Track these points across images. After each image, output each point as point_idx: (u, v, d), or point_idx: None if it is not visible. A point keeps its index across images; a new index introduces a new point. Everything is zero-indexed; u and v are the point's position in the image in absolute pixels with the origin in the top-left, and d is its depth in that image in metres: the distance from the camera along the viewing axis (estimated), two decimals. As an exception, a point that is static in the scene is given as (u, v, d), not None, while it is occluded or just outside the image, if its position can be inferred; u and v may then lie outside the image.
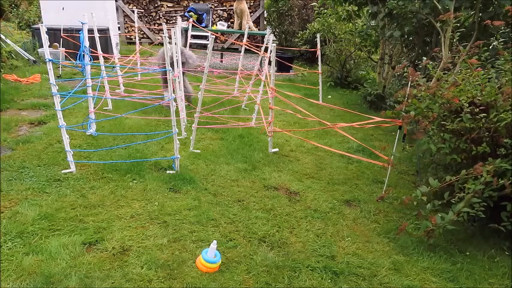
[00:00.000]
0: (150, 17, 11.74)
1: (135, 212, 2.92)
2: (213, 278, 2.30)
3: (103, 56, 5.04)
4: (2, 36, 7.26)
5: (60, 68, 7.10)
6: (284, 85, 7.52)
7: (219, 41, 11.57)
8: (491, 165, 2.63)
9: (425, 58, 5.43)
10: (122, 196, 3.12)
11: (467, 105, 2.93)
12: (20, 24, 10.98)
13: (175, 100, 4.04)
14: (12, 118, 4.70)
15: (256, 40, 11.07)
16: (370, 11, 6.46)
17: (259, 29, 11.42)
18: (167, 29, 4.28)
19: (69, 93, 4.16)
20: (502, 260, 2.74)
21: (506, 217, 2.70)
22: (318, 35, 7.00)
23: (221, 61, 9.93)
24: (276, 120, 5.12)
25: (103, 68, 5.02)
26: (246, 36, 6.48)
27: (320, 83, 6.89)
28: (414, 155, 4.26)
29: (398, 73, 6.59)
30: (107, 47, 7.75)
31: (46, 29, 3.25)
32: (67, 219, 2.74)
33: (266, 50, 5.23)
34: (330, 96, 7.40)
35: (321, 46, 7.06)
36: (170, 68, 3.45)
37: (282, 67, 8.60)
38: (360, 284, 2.40)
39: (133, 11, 7.80)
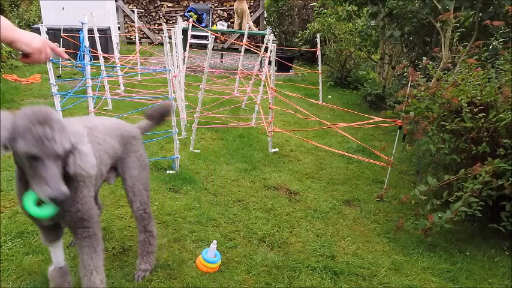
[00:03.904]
0: (150, 17, 11.74)
1: (135, 212, 2.92)
2: (213, 278, 2.30)
3: (103, 56, 5.04)
4: (2, 36, 7.25)
5: (60, 68, 7.10)
6: (284, 85, 7.52)
7: (219, 41, 11.57)
8: (490, 165, 2.63)
9: (425, 58, 5.44)
10: (122, 196, 3.12)
11: (466, 105, 2.93)
12: (20, 24, 10.97)
13: (175, 100, 4.04)
14: (12, 118, 4.69)
15: (256, 40, 11.07)
16: (370, 11, 6.46)
17: (259, 29, 11.42)
18: (167, 29, 4.28)
19: (69, 93, 4.17)
20: (502, 260, 2.74)
21: (506, 217, 2.70)
22: (318, 35, 7.00)
23: (221, 61, 9.93)
24: (276, 120, 5.12)
25: (103, 68, 5.02)
26: (246, 36, 6.48)
27: (320, 83, 6.89)
28: (414, 155, 4.26)
29: (398, 73, 6.59)
30: (107, 47, 7.75)
31: (46, 29, 3.25)
32: (67, 219, 2.74)
33: (266, 50, 5.23)
34: (330, 96, 7.40)
35: (321, 46, 7.06)
36: (170, 68, 3.45)
37: (282, 67, 8.60)
38: (360, 284, 2.40)
39: (133, 11, 7.80)
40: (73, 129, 1.50)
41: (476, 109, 2.89)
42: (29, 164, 1.35)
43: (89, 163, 1.52)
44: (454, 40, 3.83)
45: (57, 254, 1.92)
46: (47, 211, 1.43)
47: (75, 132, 1.50)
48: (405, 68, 4.29)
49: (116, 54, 6.85)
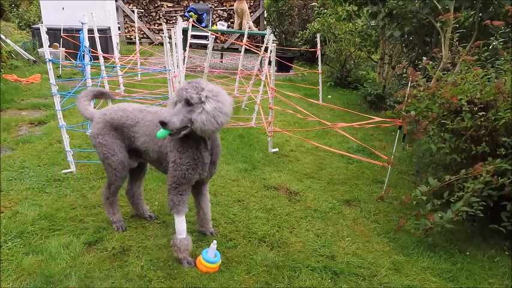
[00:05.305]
0: (150, 17, 11.74)
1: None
2: (213, 278, 2.30)
3: (103, 56, 5.04)
4: (2, 36, 7.26)
5: (60, 68, 7.10)
6: (284, 85, 7.52)
7: (219, 41, 11.57)
8: (491, 165, 2.63)
9: (425, 58, 5.43)
10: (122, 196, 3.11)
11: (466, 104, 2.93)
12: (20, 24, 10.99)
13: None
14: (12, 118, 4.70)
15: (256, 40, 11.07)
16: (370, 11, 6.47)
17: (259, 29, 11.42)
18: (167, 29, 4.27)
19: (69, 93, 4.16)
20: (502, 260, 2.74)
21: (507, 217, 2.70)
22: (318, 35, 7.00)
23: (221, 61, 9.93)
24: (276, 120, 5.12)
25: (103, 68, 5.02)
26: (246, 36, 6.49)
27: (320, 83, 6.89)
28: (414, 155, 4.26)
29: (398, 73, 6.59)
30: (107, 47, 7.76)
31: (46, 29, 3.25)
32: (67, 219, 2.74)
33: (266, 50, 5.23)
34: (330, 96, 7.40)
35: (321, 46, 7.06)
36: (170, 68, 3.46)
37: (282, 67, 8.60)
38: (360, 284, 2.40)
39: (133, 11, 7.80)
40: (211, 87, 2.05)
41: (476, 108, 2.89)
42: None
43: (204, 116, 1.98)
44: (454, 40, 3.83)
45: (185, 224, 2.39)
46: (163, 133, 2.05)
47: (211, 89, 2.05)
48: (405, 68, 4.29)
49: (116, 54, 6.85)
